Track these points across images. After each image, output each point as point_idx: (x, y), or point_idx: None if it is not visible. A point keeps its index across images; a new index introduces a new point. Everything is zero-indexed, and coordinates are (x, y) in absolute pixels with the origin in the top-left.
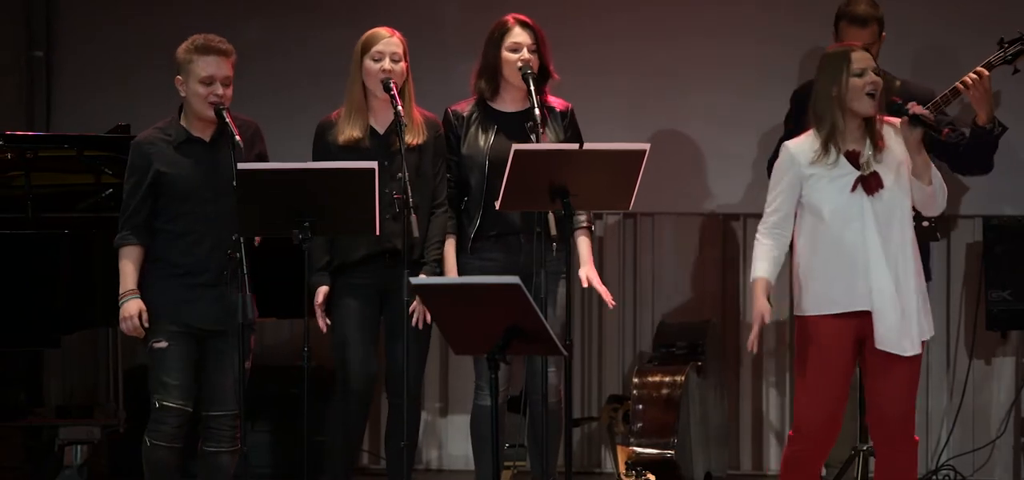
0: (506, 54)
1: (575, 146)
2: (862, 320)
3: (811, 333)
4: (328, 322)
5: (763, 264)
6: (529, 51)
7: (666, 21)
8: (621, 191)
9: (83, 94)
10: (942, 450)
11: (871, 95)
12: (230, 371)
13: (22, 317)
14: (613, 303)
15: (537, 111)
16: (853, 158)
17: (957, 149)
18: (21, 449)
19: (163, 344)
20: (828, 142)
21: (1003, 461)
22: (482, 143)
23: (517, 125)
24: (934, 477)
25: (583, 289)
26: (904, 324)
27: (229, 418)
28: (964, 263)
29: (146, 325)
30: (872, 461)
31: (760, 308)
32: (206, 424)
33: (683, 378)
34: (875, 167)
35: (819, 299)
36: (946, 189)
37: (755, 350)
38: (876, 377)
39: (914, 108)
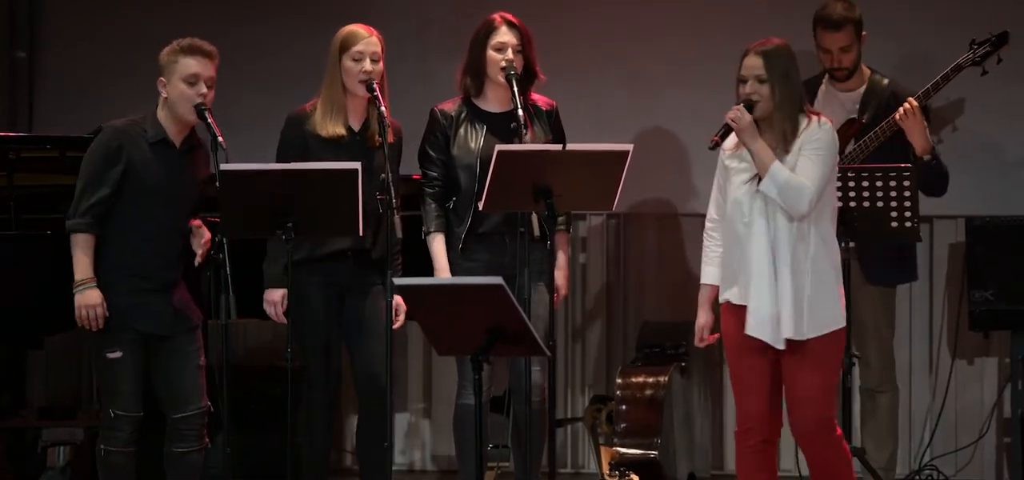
0: (491, 53)
1: (558, 147)
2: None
3: (723, 322)
4: (283, 318)
5: (708, 268)
6: (514, 51)
7: (649, 21)
8: (605, 192)
9: (66, 95)
10: (925, 450)
11: (748, 105)
12: (189, 371)
13: (4, 318)
14: (558, 303)
15: (520, 112)
16: None
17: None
18: (4, 451)
19: (118, 354)
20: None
21: (986, 461)
22: (472, 144)
23: (504, 125)
24: (917, 477)
25: (568, 288)
26: (778, 315)
27: (196, 417)
28: (947, 263)
29: (106, 314)
30: (854, 461)
31: (702, 322)
32: (174, 426)
33: (667, 378)
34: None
35: (724, 285)
36: (798, 191)
37: (702, 344)
38: (785, 375)
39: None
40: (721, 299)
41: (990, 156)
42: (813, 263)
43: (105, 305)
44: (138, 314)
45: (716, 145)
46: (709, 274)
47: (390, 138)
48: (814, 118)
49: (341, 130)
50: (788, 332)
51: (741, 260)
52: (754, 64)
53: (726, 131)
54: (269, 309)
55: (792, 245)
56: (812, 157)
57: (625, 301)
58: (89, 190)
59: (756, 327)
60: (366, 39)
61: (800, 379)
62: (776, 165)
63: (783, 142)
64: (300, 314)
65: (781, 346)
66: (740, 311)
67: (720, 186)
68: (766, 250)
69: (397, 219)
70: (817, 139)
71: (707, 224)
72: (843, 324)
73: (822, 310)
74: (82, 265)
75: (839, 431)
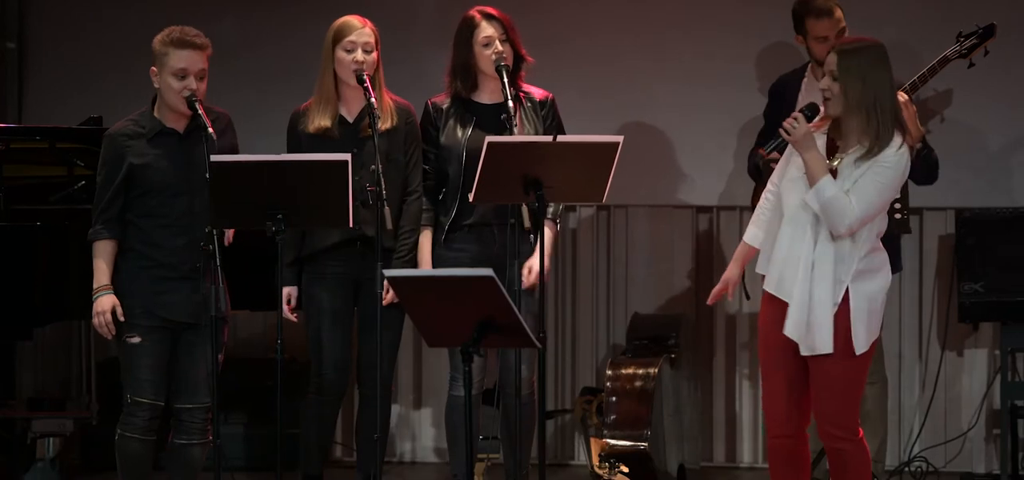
0: (480, 50)
1: (548, 138)
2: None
3: (761, 312)
4: (294, 318)
5: (752, 229)
6: (500, 43)
7: (638, 13)
8: (595, 183)
9: (55, 86)
10: (914, 442)
11: (809, 112)
12: (202, 363)
13: None
14: (526, 285)
15: (511, 104)
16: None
17: None
18: None
19: (136, 339)
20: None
21: (975, 453)
22: (460, 135)
23: (493, 117)
24: (906, 469)
25: (558, 281)
26: (811, 322)
27: (201, 410)
28: (936, 256)
29: (121, 318)
30: None
31: (729, 276)
32: (177, 416)
33: (656, 370)
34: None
35: (763, 257)
36: (841, 213)
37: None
38: (812, 381)
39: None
40: (764, 287)
41: (980, 148)
42: (854, 284)
43: (118, 310)
44: (161, 302)
45: (768, 159)
46: (752, 235)
47: (390, 123)
48: (899, 139)
49: (327, 123)
50: (819, 347)
51: (783, 250)
52: (831, 60)
53: (779, 143)
54: (286, 310)
55: (834, 261)
56: (873, 180)
57: (615, 293)
58: (99, 200)
59: (792, 329)
60: (358, 29)
61: (822, 393)
62: (825, 180)
63: (857, 146)
64: (310, 310)
65: (805, 353)
66: (776, 306)
67: (788, 158)
68: (808, 256)
69: (387, 211)
70: (887, 163)
71: (769, 184)
72: (867, 347)
73: (855, 330)
74: (99, 272)
75: (861, 433)
